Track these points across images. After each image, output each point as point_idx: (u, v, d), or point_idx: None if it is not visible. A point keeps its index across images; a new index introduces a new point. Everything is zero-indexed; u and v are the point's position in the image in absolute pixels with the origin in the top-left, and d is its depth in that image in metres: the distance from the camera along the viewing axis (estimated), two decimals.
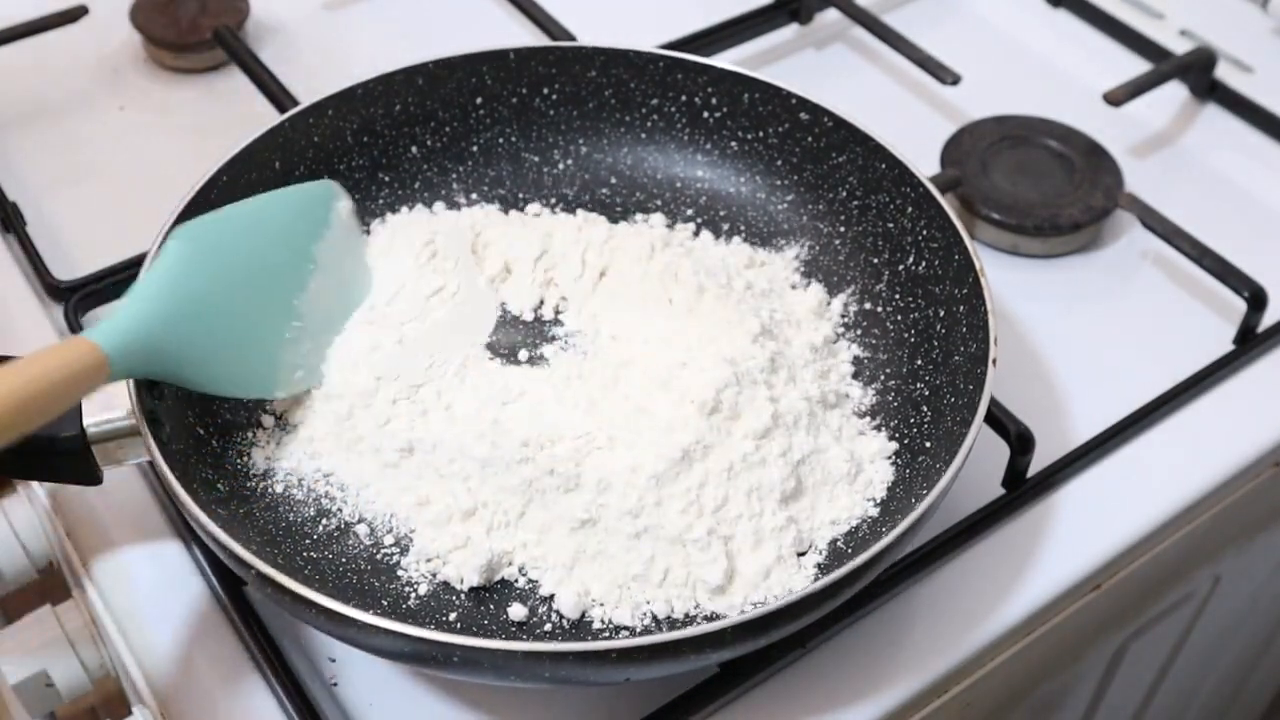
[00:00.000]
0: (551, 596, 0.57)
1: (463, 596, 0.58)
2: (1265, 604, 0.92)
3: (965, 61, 0.85)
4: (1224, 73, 0.90)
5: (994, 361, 0.59)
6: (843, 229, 0.71)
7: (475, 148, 0.75)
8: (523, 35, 0.90)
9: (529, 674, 0.52)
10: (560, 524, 0.58)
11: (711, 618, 0.56)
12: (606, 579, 0.57)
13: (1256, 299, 0.73)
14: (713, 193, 0.74)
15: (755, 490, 0.58)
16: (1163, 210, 0.78)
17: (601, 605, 0.57)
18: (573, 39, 0.84)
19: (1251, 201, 0.84)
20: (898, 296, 0.68)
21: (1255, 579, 0.87)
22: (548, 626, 0.57)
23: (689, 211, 0.74)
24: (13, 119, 0.85)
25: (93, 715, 0.75)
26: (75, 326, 0.70)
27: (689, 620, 0.57)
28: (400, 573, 0.58)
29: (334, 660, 0.59)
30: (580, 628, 0.57)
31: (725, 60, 0.74)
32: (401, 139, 0.73)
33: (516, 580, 0.58)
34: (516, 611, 0.57)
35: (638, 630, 0.56)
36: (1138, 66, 0.91)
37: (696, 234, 0.73)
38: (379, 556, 0.59)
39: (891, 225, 0.69)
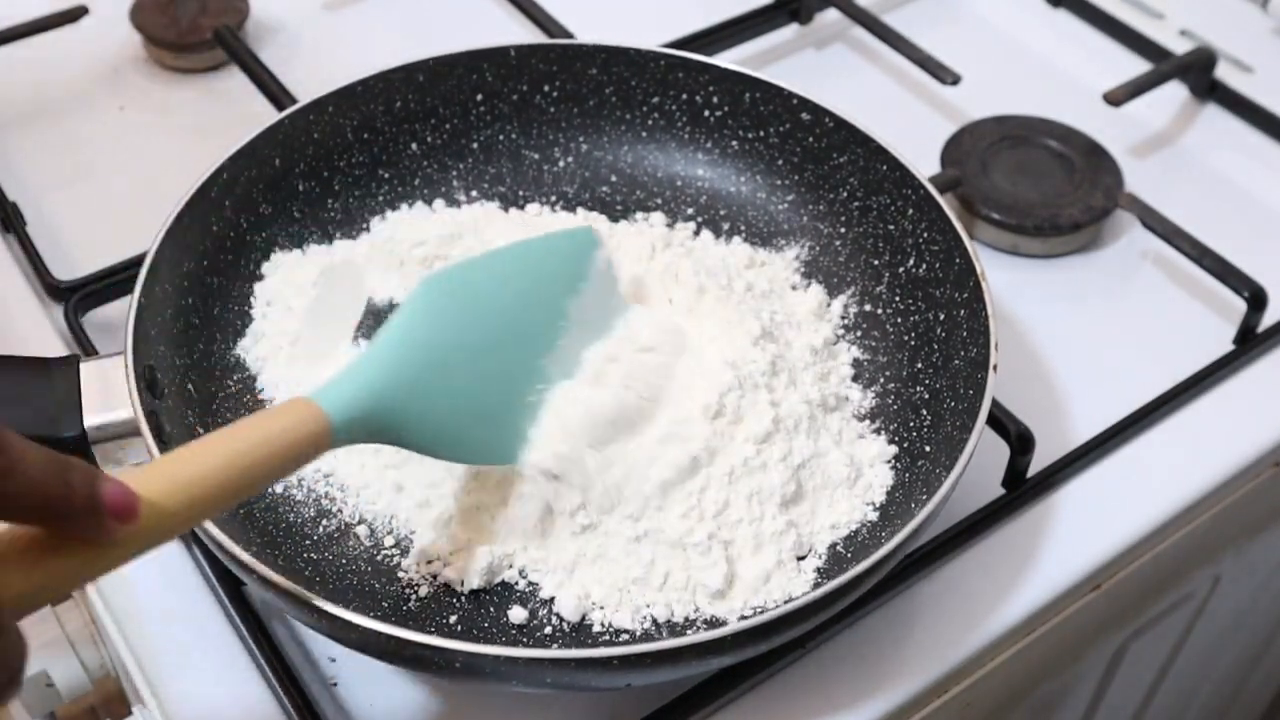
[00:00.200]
0: (552, 599, 0.57)
1: (463, 599, 0.58)
2: (1265, 604, 0.92)
3: (965, 61, 0.85)
4: (1224, 73, 0.90)
5: (995, 367, 0.59)
6: (843, 230, 0.71)
7: (475, 145, 0.74)
8: (522, 35, 0.90)
9: (531, 680, 0.52)
10: (562, 527, 0.58)
11: (711, 621, 0.56)
12: (607, 582, 0.57)
13: (1256, 299, 0.73)
14: (713, 192, 0.74)
15: (756, 494, 0.58)
16: (1163, 210, 0.78)
17: (602, 608, 0.57)
18: (572, 39, 0.84)
19: (1251, 201, 0.84)
20: (898, 299, 0.68)
21: (1255, 579, 0.87)
22: (548, 629, 0.57)
23: (689, 210, 0.74)
24: (13, 119, 0.85)
25: (93, 715, 0.75)
26: (75, 326, 0.69)
27: (689, 624, 0.57)
28: (400, 574, 0.58)
29: (334, 660, 0.59)
30: (580, 631, 0.57)
31: (725, 60, 0.74)
32: (402, 136, 0.73)
33: (517, 583, 0.58)
34: (517, 614, 0.57)
35: (638, 634, 0.56)
36: (1138, 66, 0.91)
37: (697, 233, 0.73)
38: (379, 558, 0.59)
39: (892, 227, 0.69)
